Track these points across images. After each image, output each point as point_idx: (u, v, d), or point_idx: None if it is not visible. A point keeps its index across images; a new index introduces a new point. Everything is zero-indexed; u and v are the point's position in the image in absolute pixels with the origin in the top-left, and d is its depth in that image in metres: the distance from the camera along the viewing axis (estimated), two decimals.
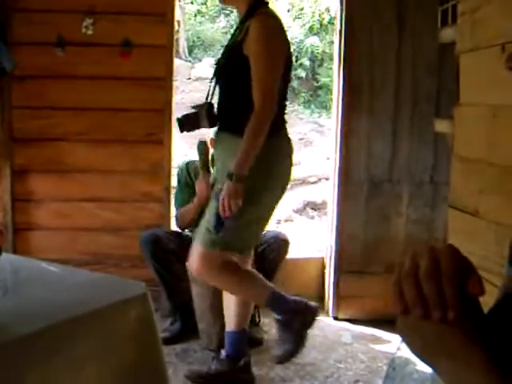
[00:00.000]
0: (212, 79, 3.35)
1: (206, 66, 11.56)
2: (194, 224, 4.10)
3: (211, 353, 3.83)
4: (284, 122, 3.31)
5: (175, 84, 4.71)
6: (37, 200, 4.33)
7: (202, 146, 3.92)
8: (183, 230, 4.20)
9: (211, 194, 3.79)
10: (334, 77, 4.54)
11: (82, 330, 1.40)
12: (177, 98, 8.79)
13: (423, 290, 0.85)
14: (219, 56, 3.50)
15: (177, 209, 4.22)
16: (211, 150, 3.83)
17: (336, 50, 4.45)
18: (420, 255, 0.87)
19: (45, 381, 1.29)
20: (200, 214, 4.00)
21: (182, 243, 4.03)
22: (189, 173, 4.16)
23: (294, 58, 3.37)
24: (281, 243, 4.02)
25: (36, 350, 1.29)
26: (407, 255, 0.89)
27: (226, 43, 3.54)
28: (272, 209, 3.41)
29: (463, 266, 0.87)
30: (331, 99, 5.69)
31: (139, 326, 1.51)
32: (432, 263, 0.86)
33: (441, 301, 0.84)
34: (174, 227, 4.38)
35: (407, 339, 0.89)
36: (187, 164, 4.21)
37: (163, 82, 4.30)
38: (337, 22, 4.42)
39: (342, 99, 4.28)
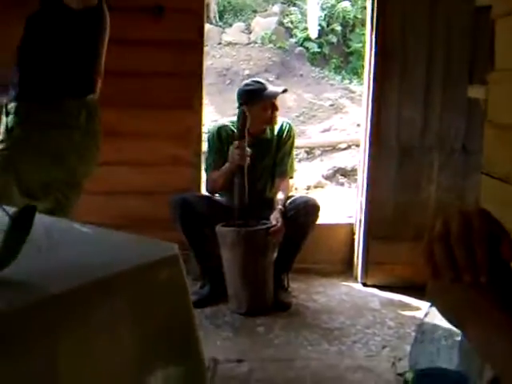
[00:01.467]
0: None
1: (237, 32, 11.49)
2: (224, 189, 4.14)
3: (240, 316, 3.88)
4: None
5: (205, 49, 4.70)
6: None
7: (242, 114, 3.95)
8: (213, 194, 4.24)
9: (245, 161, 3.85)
10: (366, 42, 4.50)
11: (114, 290, 1.42)
12: (207, 63, 8.78)
13: (454, 253, 0.85)
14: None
15: (207, 173, 4.25)
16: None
17: (368, 16, 4.40)
18: (451, 218, 0.88)
19: (78, 340, 1.31)
20: (231, 179, 4.04)
21: (212, 207, 4.07)
22: (220, 138, 4.18)
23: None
24: (311, 208, 4.02)
25: (69, 310, 1.31)
26: (438, 218, 0.89)
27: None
28: None
29: (495, 229, 0.87)
30: (362, 65, 5.64)
31: (171, 287, 1.53)
32: (463, 227, 0.86)
33: (471, 264, 0.84)
34: (203, 191, 4.41)
35: (437, 302, 0.90)
36: (219, 129, 4.23)
37: (194, 47, 4.30)
38: None
39: (374, 65, 4.24)
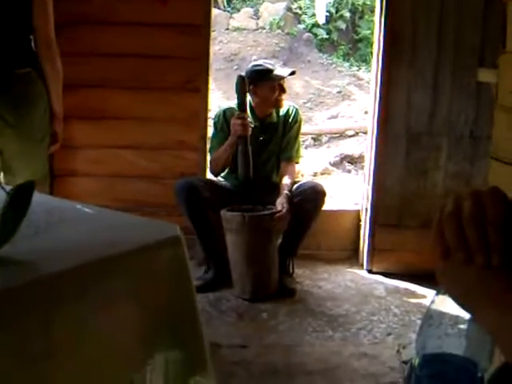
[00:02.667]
0: None
1: (245, 17, 11.41)
2: (227, 165, 4.10)
3: (244, 301, 3.86)
4: None
5: (213, 34, 4.65)
6: (74, 146, 4.34)
7: (240, 82, 3.91)
8: (217, 175, 4.21)
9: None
10: (376, 27, 4.44)
11: (113, 271, 1.40)
12: (215, 48, 8.72)
13: (466, 234, 0.82)
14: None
15: (211, 153, 4.22)
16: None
17: (378, 0, 4.34)
18: (463, 198, 0.84)
19: (73, 320, 1.29)
20: (233, 157, 4.00)
21: (217, 192, 4.04)
22: (226, 119, 4.15)
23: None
24: (317, 194, 3.98)
25: (65, 289, 1.29)
26: (449, 197, 0.86)
27: None
28: None
29: (508, 209, 0.83)
30: (371, 52, 5.59)
31: (172, 268, 1.50)
32: (476, 206, 0.82)
33: (484, 245, 0.81)
34: (209, 176, 4.38)
35: (447, 284, 0.86)
36: (224, 111, 4.20)
37: (201, 30, 4.25)
38: None
39: (383, 50, 4.19)
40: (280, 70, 4.18)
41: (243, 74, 4.06)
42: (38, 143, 3.31)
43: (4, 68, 3.11)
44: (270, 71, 4.08)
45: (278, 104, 4.12)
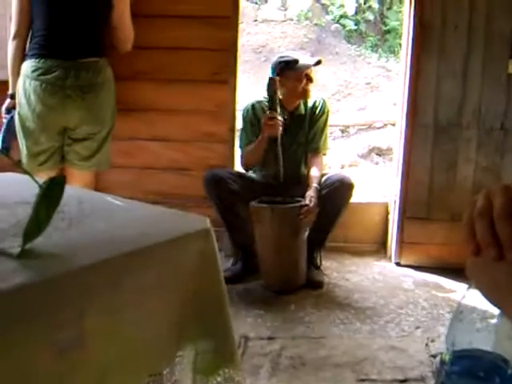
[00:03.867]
0: None
1: (273, 8, 11.38)
2: (258, 163, 4.10)
3: (272, 293, 3.87)
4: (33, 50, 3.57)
5: (241, 26, 4.65)
6: None
7: (271, 83, 3.90)
8: (247, 170, 4.20)
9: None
10: (405, 17, 4.41)
11: (144, 263, 1.41)
12: (243, 40, 8.70)
13: (497, 230, 0.81)
14: None
15: (241, 148, 4.22)
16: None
17: None
18: (494, 193, 0.83)
19: (105, 312, 1.30)
20: (264, 153, 4.00)
21: (246, 184, 4.04)
22: (255, 113, 4.14)
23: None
24: (345, 186, 3.96)
25: (98, 281, 1.31)
26: (480, 193, 0.85)
27: None
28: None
29: None
30: (399, 43, 5.54)
31: (202, 261, 1.51)
32: (507, 202, 0.82)
33: None
34: (237, 168, 4.38)
35: (477, 280, 0.86)
36: (253, 104, 4.18)
37: (229, 22, 4.25)
38: None
39: (412, 41, 4.15)
40: (306, 60, 4.16)
41: (275, 76, 4.02)
42: (104, 127, 3.67)
43: (74, 57, 3.51)
44: (296, 61, 4.06)
45: (305, 94, 4.10)
